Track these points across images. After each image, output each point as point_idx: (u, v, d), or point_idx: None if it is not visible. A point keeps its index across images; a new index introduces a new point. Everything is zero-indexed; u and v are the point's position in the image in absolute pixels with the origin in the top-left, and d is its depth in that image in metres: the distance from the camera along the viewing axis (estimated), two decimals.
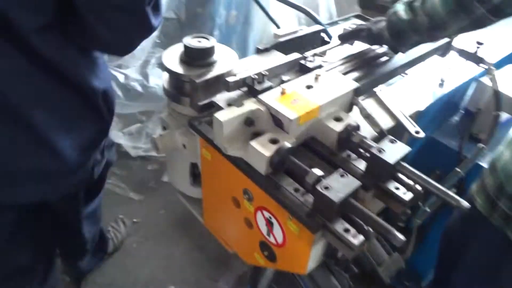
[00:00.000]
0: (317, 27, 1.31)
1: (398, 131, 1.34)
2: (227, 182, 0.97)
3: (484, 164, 1.30)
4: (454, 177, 1.30)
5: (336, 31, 1.46)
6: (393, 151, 0.86)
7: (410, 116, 1.33)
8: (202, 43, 1.01)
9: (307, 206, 0.80)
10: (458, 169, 1.29)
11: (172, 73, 0.99)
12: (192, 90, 0.97)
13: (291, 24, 3.05)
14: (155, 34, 2.21)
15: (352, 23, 1.66)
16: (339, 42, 1.25)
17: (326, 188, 0.75)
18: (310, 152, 0.96)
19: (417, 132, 1.18)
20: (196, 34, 1.03)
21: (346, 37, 1.25)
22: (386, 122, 1.31)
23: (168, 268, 2.01)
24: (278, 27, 2.66)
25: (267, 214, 0.90)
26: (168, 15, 2.53)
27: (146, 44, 2.39)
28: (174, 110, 1.06)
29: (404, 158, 0.86)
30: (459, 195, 0.81)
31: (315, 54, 1.09)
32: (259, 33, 2.89)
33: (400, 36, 1.09)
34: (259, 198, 0.89)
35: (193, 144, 1.01)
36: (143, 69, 2.48)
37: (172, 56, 1.03)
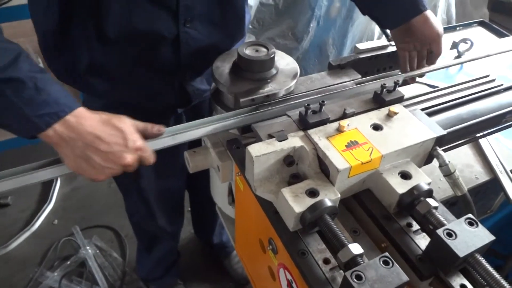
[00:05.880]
0: None
1: (491, 189, 1.07)
2: (255, 222, 0.82)
3: None
4: None
5: (450, 38, 1.20)
6: (468, 238, 0.64)
7: None
8: (258, 53, 0.86)
9: (332, 286, 0.63)
10: None
11: (217, 84, 0.86)
12: (236, 108, 0.83)
13: None
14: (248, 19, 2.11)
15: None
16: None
17: (359, 278, 0.57)
18: (360, 207, 0.77)
19: None
20: (256, 41, 0.88)
21: None
22: (478, 174, 1.05)
23: None
24: (381, 27, 2.37)
25: (289, 276, 0.74)
26: (265, 1, 2.40)
27: None
28: None
29: (481, 249, 0.64)
30: None
31: (396, 83, 0.87)
32: (360, 32, 2.62)
33: None
34: (282, 255, 0.73)
35: (229, 168, 0.88)
36: None
37: (225, 64, 0.90)
